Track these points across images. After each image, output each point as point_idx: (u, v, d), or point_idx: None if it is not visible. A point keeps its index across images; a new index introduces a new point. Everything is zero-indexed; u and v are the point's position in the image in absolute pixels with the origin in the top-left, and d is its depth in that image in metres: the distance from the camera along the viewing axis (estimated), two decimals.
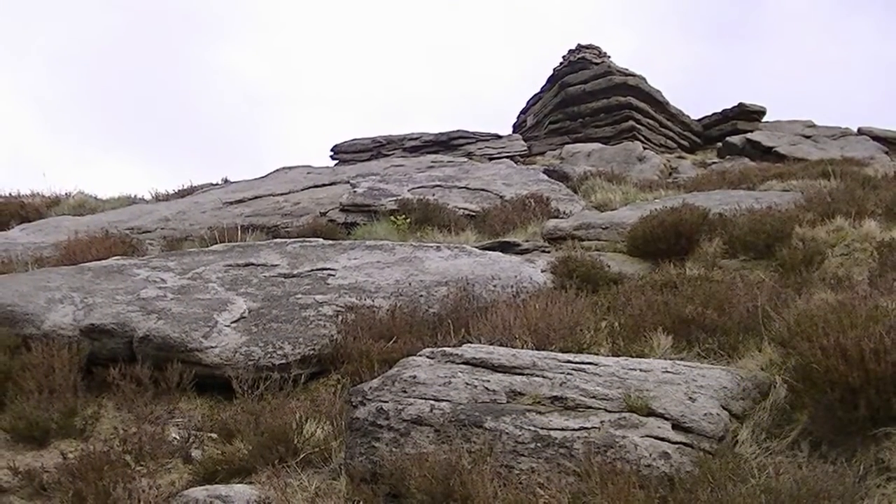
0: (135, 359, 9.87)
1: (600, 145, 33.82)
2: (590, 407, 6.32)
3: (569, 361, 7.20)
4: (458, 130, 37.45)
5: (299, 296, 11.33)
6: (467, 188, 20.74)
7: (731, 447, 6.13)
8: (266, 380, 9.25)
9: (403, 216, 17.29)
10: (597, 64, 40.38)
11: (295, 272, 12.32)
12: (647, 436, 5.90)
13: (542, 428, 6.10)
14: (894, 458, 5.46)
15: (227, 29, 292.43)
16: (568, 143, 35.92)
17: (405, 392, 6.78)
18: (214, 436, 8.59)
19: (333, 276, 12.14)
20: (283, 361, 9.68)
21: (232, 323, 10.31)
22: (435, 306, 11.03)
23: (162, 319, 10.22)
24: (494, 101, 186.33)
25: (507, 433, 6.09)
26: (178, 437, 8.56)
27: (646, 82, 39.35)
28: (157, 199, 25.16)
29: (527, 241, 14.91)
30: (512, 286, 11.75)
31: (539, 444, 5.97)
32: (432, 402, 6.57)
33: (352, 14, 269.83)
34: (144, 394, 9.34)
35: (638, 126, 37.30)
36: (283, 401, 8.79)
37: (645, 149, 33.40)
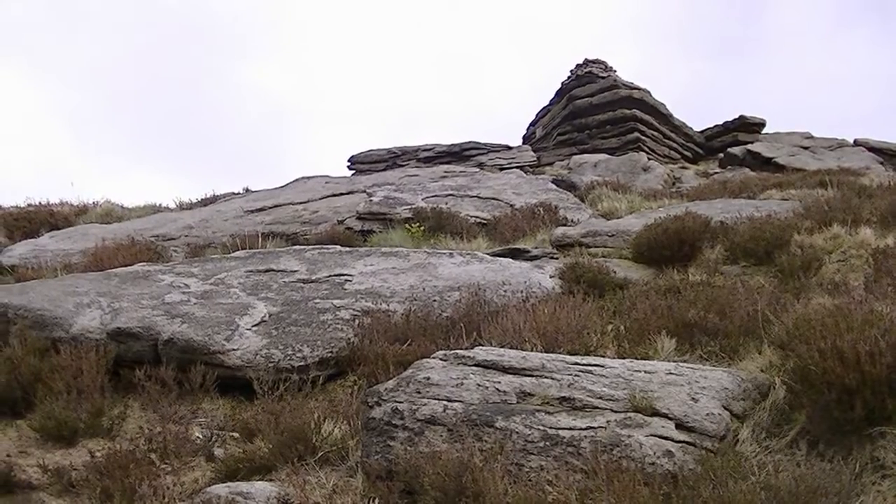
0: (159, 361, 9.91)
1: (606, 156, 33.75)
2: (596, 407, 6.33)
3: (576, 363, 7.21)
4: (470, 142, 37.50)
5: (317, 300, 11.36)
6: (479, 197, 20.77)
7: (733, 446, 6.13)
8: (286, 381, 9.27)
9: (418, 224, 17.33)
10: (603, 78, 40.37)
11: (313, 278, 12.35)
12: (652, 435, 5.91)
13: (550, 427, 6.11)
14: (889, 456, 5.46)
15: (250, 46, 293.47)
16: (575, 153, 35.89)
17: (419, 393, 6.80)
18: (236, 435, 8.62)
19: (350, 281, 12.17)
20: (302, 363, 9.71)
21: (253, 326, 10.35)
22: (448, 310, 11.04)
23: (186, 323, 10.26)
24: (505, 113, 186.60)
25: (517, 432, 6.10)
26: (201, 437, 8.58)
27: (650, 95, 39.34)
28: (181, 207, 25.24)
29: (536, 247, 14.90)
30: (522, 291, 11.76)
31: (548, 443, 5.98)
32: (445, 402, 6.58)
33: (370, 31, 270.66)
34: (169, 394, 9.37)
35: (643, 137, 37.28)
36: (302, 401, 8.82)
37: (649, 159, 33.34)
